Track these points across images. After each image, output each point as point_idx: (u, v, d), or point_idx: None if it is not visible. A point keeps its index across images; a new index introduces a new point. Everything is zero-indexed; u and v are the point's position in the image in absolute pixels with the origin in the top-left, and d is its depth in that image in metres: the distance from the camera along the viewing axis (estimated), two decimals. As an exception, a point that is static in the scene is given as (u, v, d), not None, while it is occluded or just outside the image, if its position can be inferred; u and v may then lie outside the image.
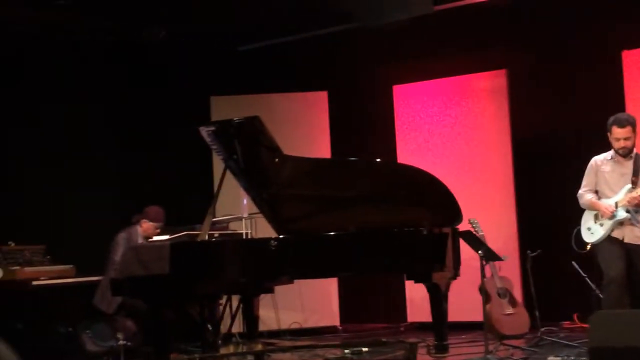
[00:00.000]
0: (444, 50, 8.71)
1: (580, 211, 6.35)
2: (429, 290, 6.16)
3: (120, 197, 8.36)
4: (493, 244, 6.43)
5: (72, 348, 7.05)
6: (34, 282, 6.65)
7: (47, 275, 6.83)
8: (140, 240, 7.05)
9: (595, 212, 6.19)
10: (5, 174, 7.41)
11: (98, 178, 8.30)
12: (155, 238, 6.79)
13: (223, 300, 7.23)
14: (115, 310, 6.84)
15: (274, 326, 8.07)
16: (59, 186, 7.80)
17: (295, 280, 7.04)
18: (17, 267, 6.62)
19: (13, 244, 6.84)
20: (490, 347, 5.95)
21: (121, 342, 6.75)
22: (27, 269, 6.70)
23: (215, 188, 6.39)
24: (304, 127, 8.79)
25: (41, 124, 7.83)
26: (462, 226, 6.36)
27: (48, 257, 7.04)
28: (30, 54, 7.79)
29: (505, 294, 6.93)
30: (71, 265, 7.11)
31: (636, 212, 5.97)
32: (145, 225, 7.09)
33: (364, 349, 6.75)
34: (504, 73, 8.27)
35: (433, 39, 8.72)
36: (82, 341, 7.04)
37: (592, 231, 6.21)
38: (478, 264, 6.06)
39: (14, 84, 7.61)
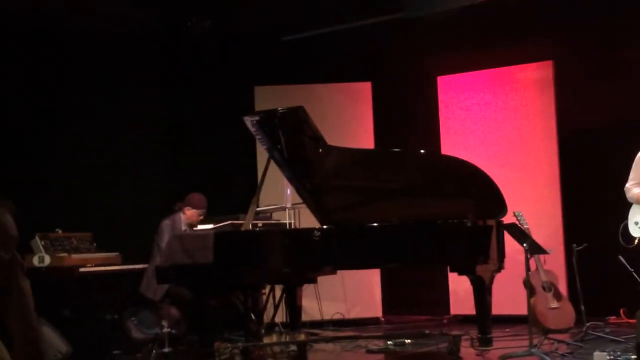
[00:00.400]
0: (489, 41, 8.61)
1: (628, 204, 6.27)
2: (472, 282, 6.14)
3: (164, 186, 8.43)
4: (538, 237, 6.35)
5: (117, 335, 7.15)
6: (81, 269, 6.74)
7: (93, 262, 6.91)
8: (183, 228, 7.11)
9: (643, 206, 6.10)
10: (53, 163, 7.51)
11: (143, 167, 8.37)
12: (200, 227, 6.84)
13: (266, 290, 7.27)
14: (161, 298, 6.91)
15: (316, 316, 8.09)
16: (105, 175, 7.89)
17: (339, 271, 7.06)
18: (65, 254, 6.71)
19: (60, 231, 6.93)
20: (535, 341, 5.90)
21: (166, 329, 6.82)
22: (74, 256, 6.78)
23: (259, 178, 6.43)
24: (348, 117, 8.78)
25: (87, 113, 7.91)
26: (507, 219, 6.31)
27: (95, 244, 7.13)
28: (76, 44, 7.87)
29: (550, 287, 6.85)
30: (117, 253, 7.20)
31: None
32: (189, 213, 7.15)
33: (407, 341, 6.74)
34: (550, 64, 8.17)
35: (478, 30, 8.63)
36: (128, 328, 7.13)
37: (639, 225, 6.12)
38: (522, 257, 6.00)
39: (62, 76, 7.70)
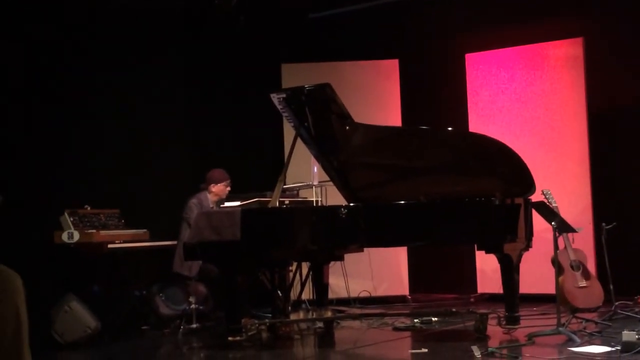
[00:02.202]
0: (518, 18, 8.53)
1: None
2: (500, 261, 6.11)
3: (191, 163, 8.46)
4: (567, 215, 6.31)
5: (145, 311, 7.22)
6: (110, 245, 6.77)
7: (121, 238, 6.95)
8: (211, 205, 7.14)
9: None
10: (81, 140, 7.55)
11: (170, 144, 8.40)
12: (227, 204, 6.87)
13: (293, 268, 7.29)
14: (197, 274, 6.92)
15: (343, 294, 8.10)
16: (133, 152, 7.92)
17: (365, 249, 7.06)
18: (93, 231, 6.76)
19: (89, 208, 6.98)
20: (563, 320, 5.86)
21: (193, 306, 6.88)
22: (103, 232, 6.83)
23: (286, 155, 6.43)
24: (375, 95, 8.75)
25: (114, 91, 7.94)
26: (535, 197, 6.26)
27: (123, 221, 7.18)
28: (103, 20, 7.88)
29: (579, 266, 6.80)
30: (145, 230, 7.24)
31: None
32: (216, 188, 7.16)
33: (434, 319, 6.74)
34: (581, 41, 8.07)
35: (507, 6, 8.55)
36: (156, 304, 7.19)
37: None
38: (551, 235, 5.95)
39: (88, 52, 7.73)
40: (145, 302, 7.24)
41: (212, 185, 7.17)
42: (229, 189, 7.18)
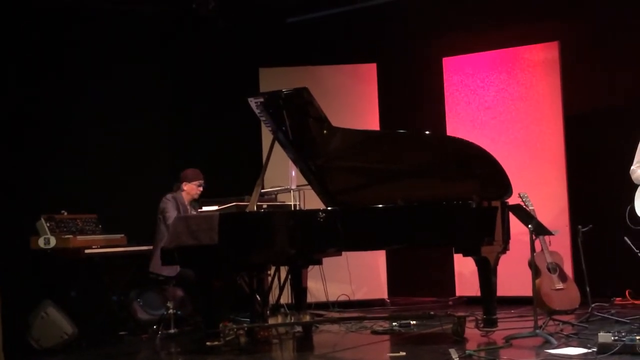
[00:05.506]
0: (495, 22, 8.58)
1: (634, 186, 6.25)
2: (477, 264, 6.14)
3: (169, 168, 8.42)
4: (543, 218, 6.34)
5: (123, 316, 7.18)
6: (87, 251, 6.75)
7: (98, 244, 6.92)
8: (186, 204, 7.12)
9: (649, 188, 6.08)
10: (58, 145, 7.52)
11: (148, 149, 8.37)
12: (205, 208, 6.86)
13: (271, 271, 7.28)
14: (177, 274, 6.85)
15: (322, 298, 8.09)
16: (110, 157, 7.89)
17: (344, 253, 7.06)
18: (70, 236, 6.72)
19: (66, 213, 6.95)
20: (540, 322, 5.89)
21: (171, 310, 6.85)
22: (80, 238, 6.79)
23: (264, 159, 6.42)
24: (353, 99, 8.76)
25: (92, 95, 7.91)
26: (512, 200, 6.30)
27: (100, 226, 7.15)
28: (81, 25, 7.86)
29: (556, 268, 6.84)
30: (122, 235, 7.21)
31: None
32: (187, 187, 7.17)
33: (412, 322, 6.76)
34: (556, 45, 8.12)
35: (484, 11, 8.60)
36: (133, 309, 7.16)
37: (645, 206, 6.11)
38: (528, 238, 5.98)
39: (67, 57, 7.70)
40: (123, 307, 7.21)
41: (185, 183, 7.18)
42: (201, 189, 7.18)
